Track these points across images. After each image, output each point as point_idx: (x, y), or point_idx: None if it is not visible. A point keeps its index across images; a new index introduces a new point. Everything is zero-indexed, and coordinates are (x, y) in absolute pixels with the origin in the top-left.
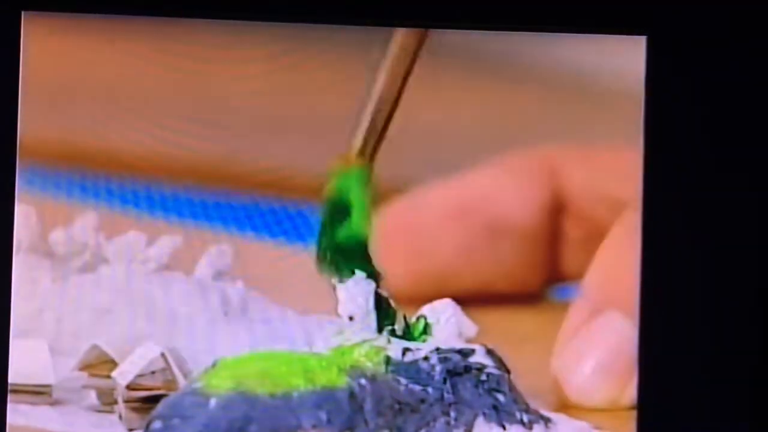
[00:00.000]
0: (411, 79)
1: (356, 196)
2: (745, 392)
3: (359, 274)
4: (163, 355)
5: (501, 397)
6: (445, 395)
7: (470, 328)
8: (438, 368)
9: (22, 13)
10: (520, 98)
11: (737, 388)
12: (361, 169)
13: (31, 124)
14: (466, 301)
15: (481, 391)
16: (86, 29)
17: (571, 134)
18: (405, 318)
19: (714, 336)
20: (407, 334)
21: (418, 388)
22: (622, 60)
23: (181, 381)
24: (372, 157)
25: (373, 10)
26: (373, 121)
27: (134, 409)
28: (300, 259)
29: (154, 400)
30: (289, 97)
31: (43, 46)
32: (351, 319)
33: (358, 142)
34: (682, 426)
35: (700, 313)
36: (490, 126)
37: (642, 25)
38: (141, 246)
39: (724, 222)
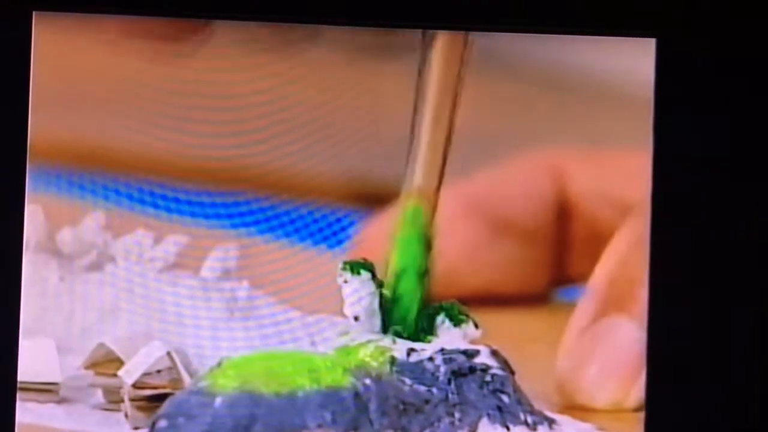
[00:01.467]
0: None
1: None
2: (754, 395)
3: (365, 275)
4: (169, 353)
5: (505, 398)
6: (450, 396)
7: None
8: (443, 369)
9: (33, 13)
10: (528, 100)
11: (746, 391)
12: (416, 209)
13: (40, 123)
14: (472, 301)
15: (485, 391)
16: (97, 29)
17: (579, 136)
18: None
19: (722, 338)
20: (413, 334)
21: (422, 388)
22: (632, 62)
23: (187, 380)
24: (436, 193)
25: (379, 12)
26: (431, 147)
27: (140, 408)
28: (306, 259)
29: (160, 398)
30: (297, 98)
31: (55, 46)
32: (356, 319)
33: (416, 177)
34: (690, 429)
35: (708, 315)
36: (497, 128)
37: (652, 26)
38: (148, 245)
39: (733, 224)
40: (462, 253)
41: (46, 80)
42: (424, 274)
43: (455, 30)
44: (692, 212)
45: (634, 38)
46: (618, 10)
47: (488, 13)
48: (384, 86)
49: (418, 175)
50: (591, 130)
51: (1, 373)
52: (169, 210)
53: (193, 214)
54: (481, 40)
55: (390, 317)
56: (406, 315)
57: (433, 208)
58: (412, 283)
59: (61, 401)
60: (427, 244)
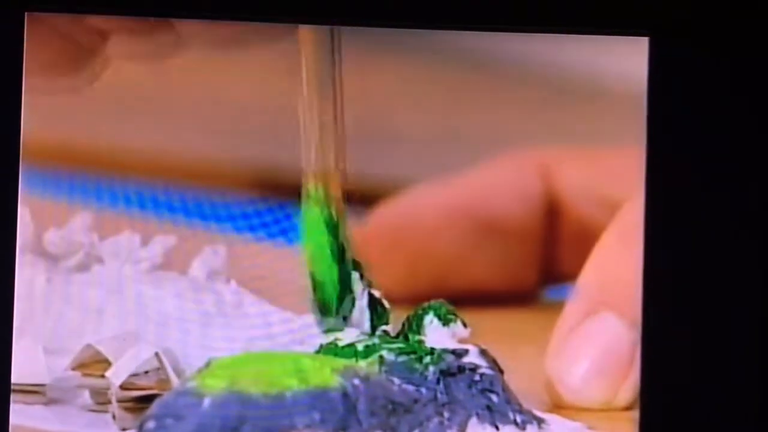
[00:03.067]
0: (410, 78)
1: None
2: (750, 394)
3: (353, 274)
4: (156, 354)
5: (494, 398)
6: (439, 395)
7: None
8: (431, 368)
9: (26, 13)
10: (521, 99)
11: (741, 389)
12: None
13: (31, 124)
14: (461, 300)
15: (474, 391)
16: (89, 30)
17: (570, 134)
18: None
19: (717, 337)
20: (401, 334)
21: (411, 388)
22: (625, 60)
23: (175, 381)
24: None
25: (376, 11)
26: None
27: (128, 409)
28: (294, 259)
29: (148, 399)
30: (289, 98)
31: (46, 48)
32: (345, 319)
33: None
34: (684, 428)
35: (702, 314)
36: (490, 127)
37: (644, 25)
38: (135, 246)
39: (726, 222)
40: (450, 251)
41: (38, 81)
42: (337, 256)
43: (447, 29)
44: (685, 211)
45: (627, 37)
46: (611, 8)
47: (481, 11)
48: (375, 84)
49: (313, 158)
50: (582, 129)
51: None
52: (156, 210)
53: (180, 215)
54: (472, 38)
55: (315, 302)
56: (329, 300)
57: (336, 191)
58: (327, 266)
59: (49, 402)
60: (334, 226)
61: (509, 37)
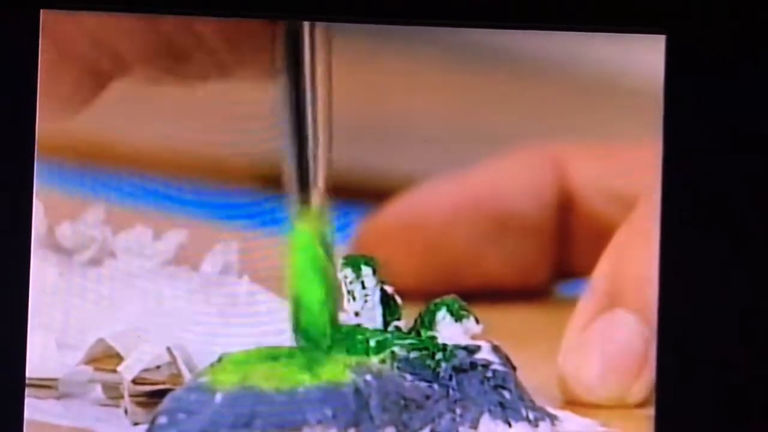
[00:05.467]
0: (423, 73)
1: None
2: (765, 390)
3: (365, 270)
4: (168, 349)
5: (507, 394)
6: (451, 392)
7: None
8: (444, 365)
9: (41, 10)
10: (536, 95)
11: (757, 386)
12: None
13: (46, 120)
14: (473, 296)
15: (486, 387)
16: (103, 26)
17: (586, 131)
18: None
19: (733, 334)
20: (413, 330)
21: (423, 384)
22: (642, 58)
23: (187, 376)
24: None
25: (391, 6)
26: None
27: (140, 404)
28: None
29: (160, 394)
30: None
31: (62, 42)
32: (357, 314)
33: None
34: (700, 425)
35: (718, 311)
36: (504, 122)
37: (661, 23)
38: (148, 240)
39: (742, 219)
40: (462, 247)
41: (53, 76)
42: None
43: (463, 27)
44: (701, 207)
45: (644, 34)
46: (628, 6)
47: (497, 8)
48: (389, 80)
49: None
50: (598, 125)
51: (9, 371)
52: (169, 205)
53: (193, 209)
54: (488, 35)
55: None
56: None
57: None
58: (317, 294)
59: (61, 397)
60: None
61: (525, 34)
